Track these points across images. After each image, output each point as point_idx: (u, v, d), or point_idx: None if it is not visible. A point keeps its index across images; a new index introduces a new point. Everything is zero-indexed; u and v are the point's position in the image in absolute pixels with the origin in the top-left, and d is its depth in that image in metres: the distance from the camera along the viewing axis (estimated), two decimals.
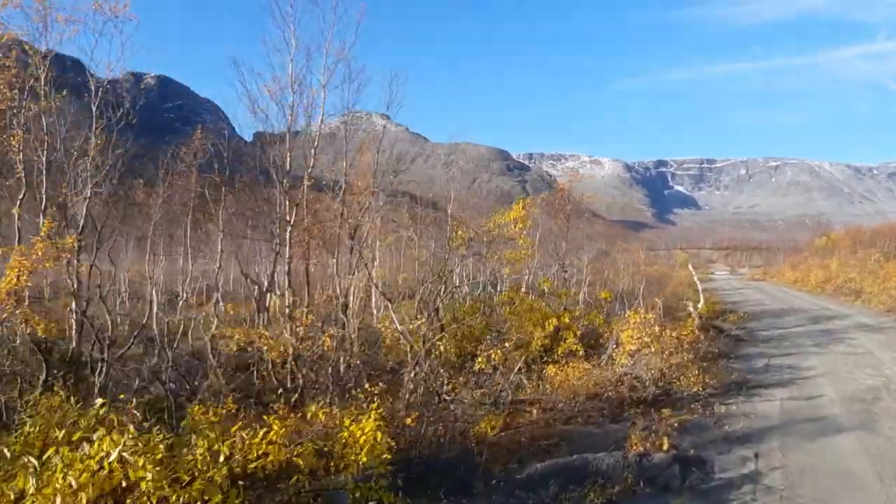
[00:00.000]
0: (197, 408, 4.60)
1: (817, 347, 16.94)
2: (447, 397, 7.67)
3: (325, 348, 7.61)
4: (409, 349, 9.36)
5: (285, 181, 11.54)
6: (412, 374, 8.47)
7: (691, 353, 11.91)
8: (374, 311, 23.47)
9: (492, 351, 8.92)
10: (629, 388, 9.91)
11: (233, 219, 15.53)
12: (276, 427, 4.42)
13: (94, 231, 9.76)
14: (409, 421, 5.64)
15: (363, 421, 4.70)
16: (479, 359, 8.73)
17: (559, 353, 12.93)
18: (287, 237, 10.84)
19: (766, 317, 25.87)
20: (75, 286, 8.38)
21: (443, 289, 14.22)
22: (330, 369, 7.75)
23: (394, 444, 5.06)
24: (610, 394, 9.66)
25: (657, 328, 10.62)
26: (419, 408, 5.96)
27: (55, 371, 7.93)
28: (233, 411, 5.54)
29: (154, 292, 11.87)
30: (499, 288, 18.96)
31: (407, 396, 6.01)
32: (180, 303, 18.58)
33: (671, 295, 28.55)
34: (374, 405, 5.22)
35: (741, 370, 13.30)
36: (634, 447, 6.95)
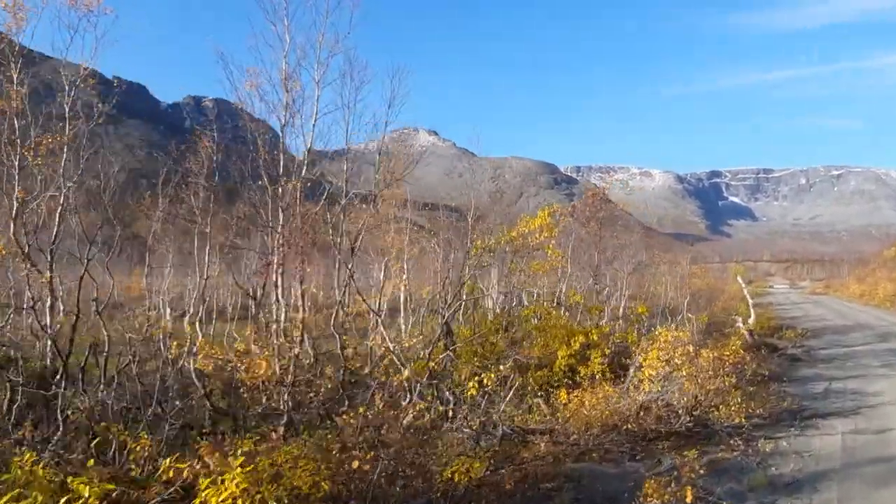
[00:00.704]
0: (28, 455, 3.55)
1: (886, 369, 14.93)
2: (432, 430, 6.49)
3: (278, 370, 6.60)
4: (401, 370, 8.27)
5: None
6: (405, 401, 7.41)
7: (735, 377, 10.33)
8: (402, 326, 22.56)
9: (485, 374, 7.67)
10: (656, 418, 8.47)
11: (232, 228, 14.84)
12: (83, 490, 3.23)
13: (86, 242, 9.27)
14: (355, 465, 4.49)
15: (226, 478, 3.50)
16: (471, 384, 7.51)
17: (584, 374, 11.58)
18: (276, 246, 9.98)
19: (827, 333, 23.57)
20: (34, 297, 7.69)
21: (457, 303, 13.16)
22: (286, 395, 6.71)
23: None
24: (631, 425, 8.26)
25: (691, 347, 9.12)
26: (376, 447, 4.80)
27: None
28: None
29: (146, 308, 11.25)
30: (526, 301, 17.66)
31: (358, 430, 4.86)
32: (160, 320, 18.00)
33: (721, 309, 26.49)
34: (248, 449, 3.91)
35: (795, 395, 11.59)
36: (649, 498, 5.61)
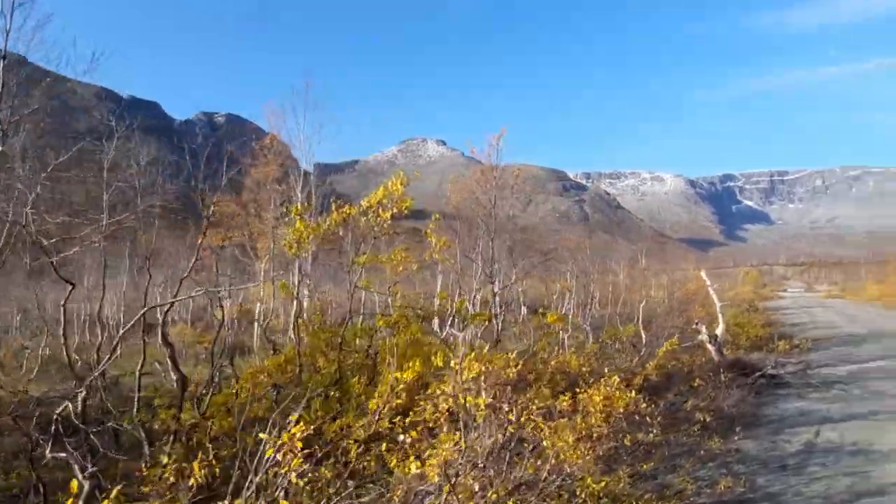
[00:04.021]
0: None
1: None
2: None
3: None
4: None
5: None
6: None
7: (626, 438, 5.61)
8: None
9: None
10: None
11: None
12: None
13: None
14: None
15: None
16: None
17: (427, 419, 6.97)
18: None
19: (833, 344, 18.59)
20: None
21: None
22: None
23: None
24: None
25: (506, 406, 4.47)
26: None
27: None
28: None
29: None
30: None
31: None
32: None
33: (705, 316, 21.62)
34: None
35: (750, 463, 6.83)
36: None
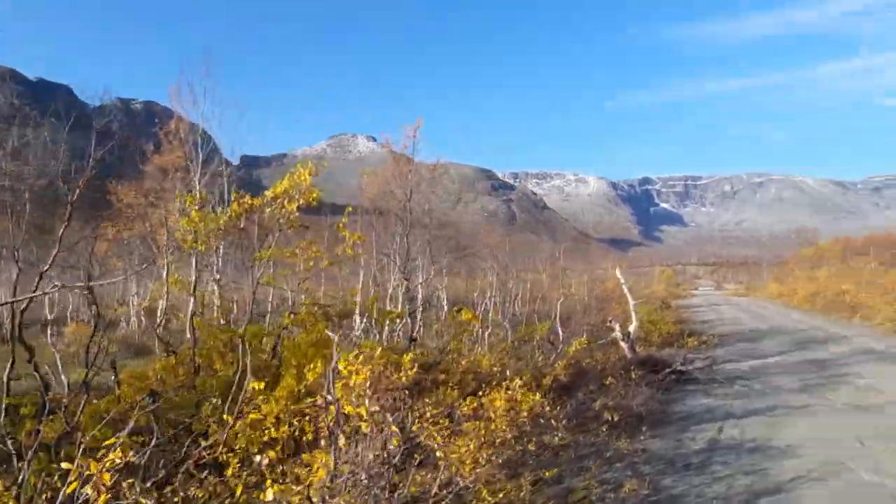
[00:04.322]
0: None
1: (807, 395, 10.51)
2: None
3: None
4: None
5: None
6: None
7: (530, 442, 5.34)
8: None
9: None
10: None
11: None
12: None
13: None
14: None
15: None
16: None
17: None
18: None
19: (738, 340, 19.48)
20: None
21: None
22: None
23: None
24: None
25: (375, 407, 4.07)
26: None
27: None
28: None
29: None
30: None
31: None
32: None
33: (621, 314, 22.12)
34: None
35: (657, 461, 6.76)
36: None
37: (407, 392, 5.17)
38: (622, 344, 13.02)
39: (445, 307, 24.79)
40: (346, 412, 3.91)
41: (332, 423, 3.57)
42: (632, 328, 13.86)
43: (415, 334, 11.64)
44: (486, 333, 13.86)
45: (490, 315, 19.63)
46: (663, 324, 19.90)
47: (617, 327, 13.26)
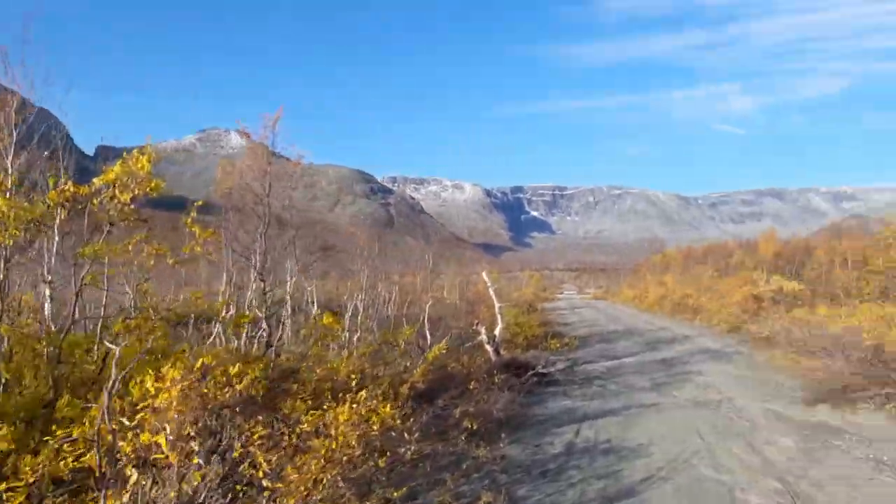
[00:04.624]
0: None
1: (656, 393, 11.06)
2: None
3: None
4: None
5: None
6: None
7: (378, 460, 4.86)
8: None
9: None
10: None
11: None
12: None
13: None
14: None
15: None
16: None
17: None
18: None
19: (597, 341, 20.48)
20: None
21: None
22: None
23: None
24: None
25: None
26: None
27: None
28: None
29: None
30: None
31: None
32: None
33: (490, 317, 22.44)
34: None
35: (514, 468, 6.57)
36: None
37: (238, 409, 4.48)
38: (487, 347, 12.99)
39: (314, 310, 23.69)
40: (142, 442, 3.16)
41: (103, 461, 2.82)
42: (497, 331, 13.93)
43: (273, 340, 10.74)
44: (356, 337, 13.23)
45: (360, 318, 18.98)
46: (529, 326, 20.41)
47: (482, 330, 13.23)
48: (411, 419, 5.74)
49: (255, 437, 3.87)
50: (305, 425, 4.57)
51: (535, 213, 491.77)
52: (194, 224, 9.57)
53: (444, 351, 9.83)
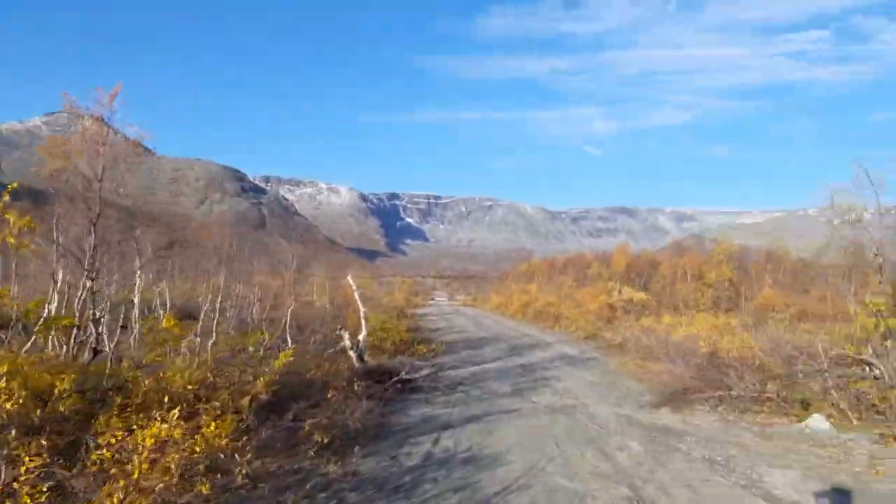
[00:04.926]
0: None
1: (516, 398, 11.13)
2: None
3: None
4: None
5: None
6: None
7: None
8: None
9: None
10: None
11: None
12: None
13: None
14: None
15: None
16: None
17: None
18: None
19: (463, 347, 20.58)
20: None
21: None
22: None
23: None
24: None
25: None
26: None
27: None
28: None
29: None
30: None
31: None
32: None
33: (358, 321, 21.73)
34: None
35: (367, 485, 6.08)
36: None
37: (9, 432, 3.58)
38: (351, 353, 12.40)
39: (164, 313, 21.53)
40: None
41: None
42: (361, 337, 13.37)
43: (103, 346, 9.34)
44: (210, 342, 12.01)
45: (216, 322, 17.47)
46: (397, 332, 20.06)
47: (346, 336, 12.62)
48: (246, 436, 5.04)
49: (24, 469, 3.04)
50: (104, 450, 3.75)
51: (410, 220, 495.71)
52: (7, 210, 8.07)
53: (291, 358, 9.07)
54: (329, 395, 8.97)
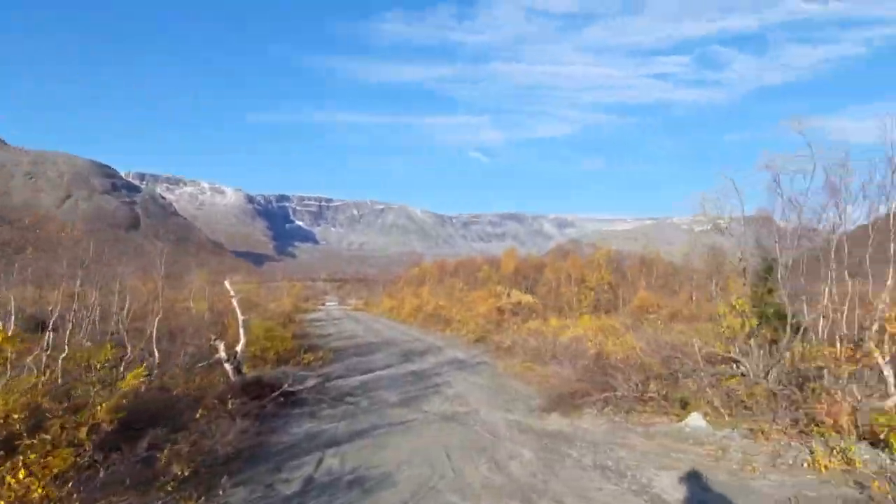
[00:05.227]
0: None
1: (407, 408, 10.67)
2: None
3: None
4: None
5: None
6: None
7: None
8: None
9: None
10: None
11: None
12: None
13: None
14: None
15: None
16: None
17: None
18: None
19: (352, 354, 19.84)
20: None
21: None
22: None
23: None
24: None
25: None
26: None
27: None
28: None
29: None
30: None
31: None
32: None
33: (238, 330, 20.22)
34: None
35: None
36: None
37: None
38: (227, 366, 11.31)
39: (3, 324, 18.74)
40: None
41: None
42: (240, 347, 12.27)
43: None
44: (62, 357, 10.40)
45: (69, 334, 15.41)
46: (282, 340, 18.87)
47: (221, 347, 11.50)
48: (87, 472, 4.12)
49: None
50: None
51: (300, 223, 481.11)
52: None
53: (143, 378, 7.98)
54: (197, 416, 7.99)
